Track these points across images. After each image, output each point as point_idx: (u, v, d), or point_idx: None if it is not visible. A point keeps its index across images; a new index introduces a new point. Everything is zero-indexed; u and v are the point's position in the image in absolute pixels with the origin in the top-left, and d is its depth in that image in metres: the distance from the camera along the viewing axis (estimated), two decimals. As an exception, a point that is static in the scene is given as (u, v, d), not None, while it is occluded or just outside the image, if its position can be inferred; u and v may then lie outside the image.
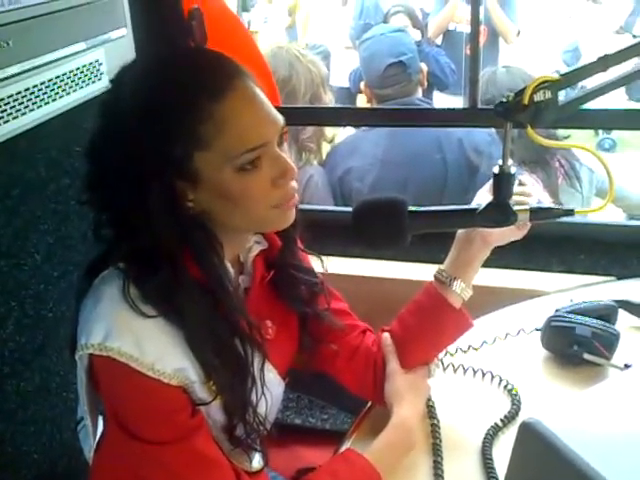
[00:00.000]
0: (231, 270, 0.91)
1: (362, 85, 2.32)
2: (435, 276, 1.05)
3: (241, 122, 0.81)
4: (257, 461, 0.98)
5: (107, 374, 0.83)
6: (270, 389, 0.93)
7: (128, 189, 0.82)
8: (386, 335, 1.09)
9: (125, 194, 0.83)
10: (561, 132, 2.12)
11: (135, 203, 0.82)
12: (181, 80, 0.82)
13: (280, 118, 0.86)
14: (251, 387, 0.89)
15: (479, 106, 1.60)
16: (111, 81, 0.87)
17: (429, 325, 1.05)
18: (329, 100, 2.27)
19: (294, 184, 0.88)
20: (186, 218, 0.84)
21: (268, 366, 0.94)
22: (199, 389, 0.85)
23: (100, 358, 0.81)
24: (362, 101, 2.89)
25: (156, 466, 0.85)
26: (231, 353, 0.86)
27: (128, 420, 0.84)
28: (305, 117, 1.96)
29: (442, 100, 3.79)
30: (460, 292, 1.03)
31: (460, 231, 1.04)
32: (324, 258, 1.06)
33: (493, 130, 2.09)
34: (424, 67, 2.30)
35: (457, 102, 3.60)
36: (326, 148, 2.29)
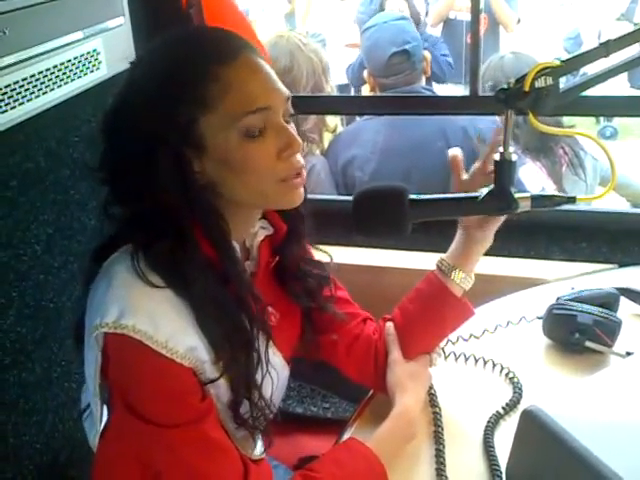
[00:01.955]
0: (238, 252, 0.91)
1: (365, 74, 2.31)
2: (437, 265, 1.05)
3: (246, 85, 0.83)
4: (260, 447, 0.98)
5: (120, 353, 0.83)
6: (277, 371, 0.94)
7: (138, 155, 0.83)
8: (389, 324, 1.10)
9: (135, 160, 0.84)
10: (566, 121, 2.12)
11: (144, 169, 0.83)
12: (192, 47, 0.85)
13: (286, 90, 0.88)
14: (257, 364, 0.89)
15: (480, 93, 1.60)
16: (131, 62, 0.89)
17: (430, 313, 1.05)
18: (330, 90, 2.25)
19: (300, 159, 0.87)
20: (194, 189, 0.84)
21: (273, 349, 0.95)
22: (209, 369, 0.85)
23: (114, 336, 0.81)
24: (366, 91, 2.89)
25: (163, 449, 0.85)
26: (238, 328, 0.86)
27: (137, 401, 0.83)
28: (306, 106, 1.95)
29: (442, 89, 3.78)
30: (459, 282, 1.03)
31: (461, 221, 1.04)
32: (324, 247, 1.06)
33: (497, 118, 2.08)
34: (428, 55, 2.28)
35: (457, 91, 3.60)
36: (328, 138, 2.28)
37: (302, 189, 0.89)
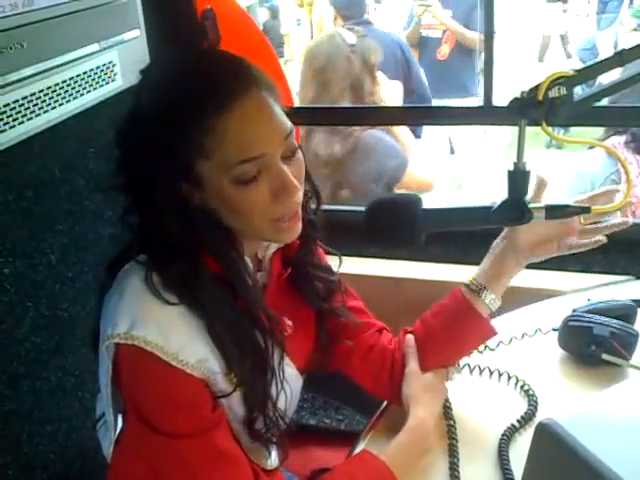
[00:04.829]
0: (250, 265, 0.91)
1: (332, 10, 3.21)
2: (465, 283, 1.04)
3: (240, 135, 0.81)
4: (274, 458, 0.98)
5: (131, 364, 0.83)
6: (289, 383, 0.94)
7: (139, 183, 0.85)
8: (410, 336, 1.09)
9: (137, 187, 0.86)
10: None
11: (145, 197, 0.85)
12: (192, 91, 0.82)
13: (285, 128, 0.84)
14: (271, 380, 0.89)
15: (493, 104, 1.60)
16: (141, 72, 0.89)
17: (453, 330, 1.05)
18: (376, 90, 2.27)
19: (297, 199, 0.87)
20: (197, 215, 0.85)
21: (286, 360, 0.94)
22: (221, 381, 0.85)
23: (126, 347, 0.81)
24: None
25: (174, 460, 0.85)
26: (251, 345, 0.87)
27: (149, 412, 0.84)
28: (318, 117, 1.96)
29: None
30: (490, 303, 1.03)
31: (495, 243, 1.04)
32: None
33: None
34: None
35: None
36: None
37: (296, 228, 0.89)
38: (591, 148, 2.24)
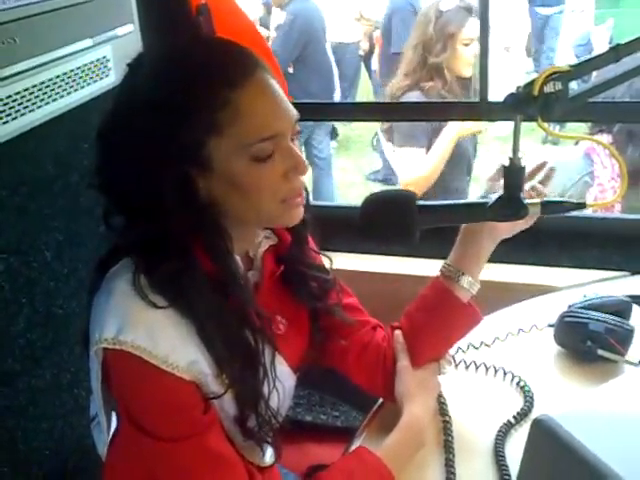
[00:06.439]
0: (240, 264, 0.90)
1: None
2: (441, 271, 1.04)
3: (258, 111, 0.82)
4: (269, 456, 0.97)
5: (120, 368, 0.83)
6: (282, 381, 0.93)
7: (139, 174, 0.82)
8: (398, 332, 1.09)
9: (136, 179, 0.82)
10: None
11: (146, 188, 0.82)
12: (200, 67, 0.82)
13: (295, 113, 0.87)
14: (262, 378, 0.89)
15: (488, 99, 1.60)
16: (128, 65, 0.87)
17: (438, 320, 1.04)
18: (444, 55, 2.38)
19: (303, 180, 0.88)
20: (197, 208, 0.83)
21: (279, 359, 0.94)
22: (212, 382, 0.84)
23: (114, 352, 0.80)
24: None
25: (168, 463, 0.84)
26: (241, 344, 0.86)
27: (141, 416, 0.83)
28: (317, 112, 1.96)
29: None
30: (469, 287, 1.02)
31: (465, 224, 1.03)
32: (332, 255, 1.05)
33: None
34: None
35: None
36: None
37: (301, 208, 0.89)
38: (577, 144, 2.25)
